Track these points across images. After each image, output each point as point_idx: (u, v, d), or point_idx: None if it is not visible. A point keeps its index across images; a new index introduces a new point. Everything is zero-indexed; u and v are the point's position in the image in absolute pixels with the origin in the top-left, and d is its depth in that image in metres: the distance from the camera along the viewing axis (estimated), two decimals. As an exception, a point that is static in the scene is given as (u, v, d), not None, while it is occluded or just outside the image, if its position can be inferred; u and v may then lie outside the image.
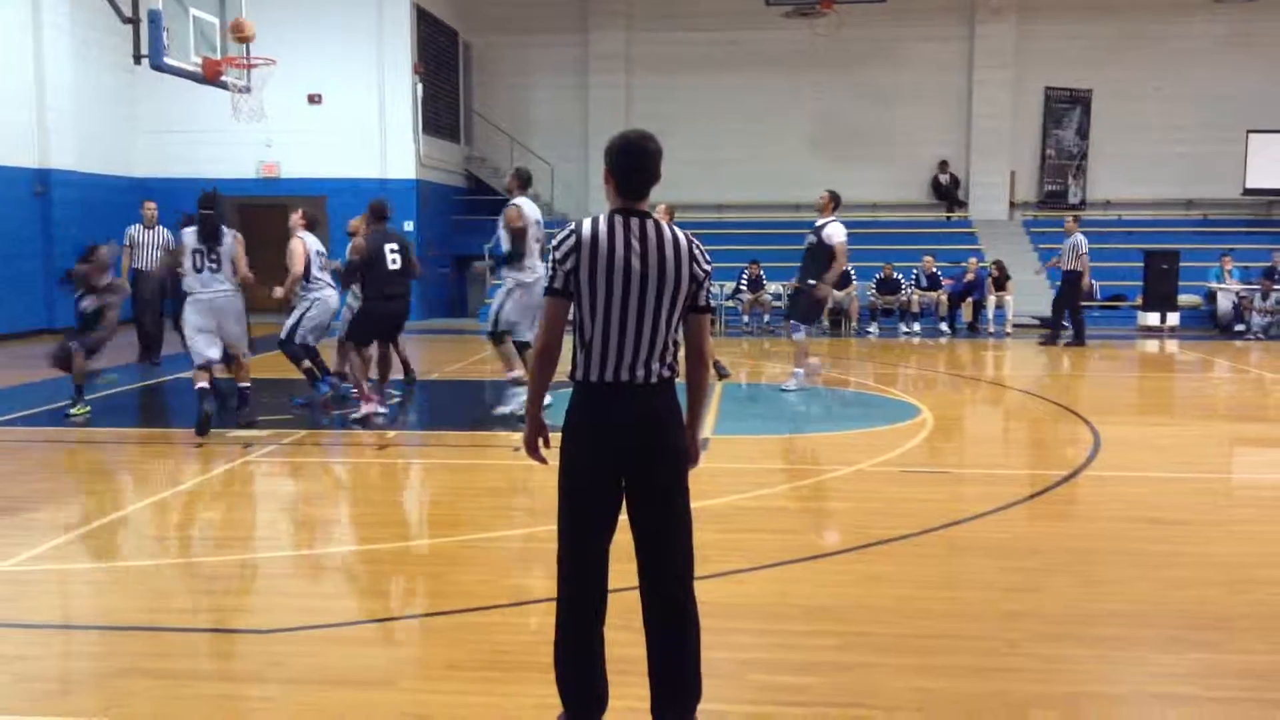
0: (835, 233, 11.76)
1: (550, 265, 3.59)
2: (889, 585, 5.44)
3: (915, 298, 18.97)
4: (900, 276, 19.28)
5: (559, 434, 3.69)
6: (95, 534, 6.40)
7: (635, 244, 3.52)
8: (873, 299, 19.22)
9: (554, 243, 3.60)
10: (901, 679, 4.29)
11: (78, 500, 7.39)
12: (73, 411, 9.76)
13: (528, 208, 9.67)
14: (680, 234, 3.62)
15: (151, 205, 14.17)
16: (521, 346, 9.67)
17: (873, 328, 18.91)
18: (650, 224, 3.58)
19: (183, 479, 8.03)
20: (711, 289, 3.76)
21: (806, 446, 9.20)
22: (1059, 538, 6.49)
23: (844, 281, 19.06)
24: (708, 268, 3.64)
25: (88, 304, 9.96)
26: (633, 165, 3.60)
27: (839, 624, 4.87)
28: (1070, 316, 17.04)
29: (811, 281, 11.81)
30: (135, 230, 13.96)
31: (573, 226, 3.60)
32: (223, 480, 7.92)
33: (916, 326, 18.84)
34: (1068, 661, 4.52)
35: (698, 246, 3.64)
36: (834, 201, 11.98)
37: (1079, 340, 16.73)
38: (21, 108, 17.34)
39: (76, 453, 8.80)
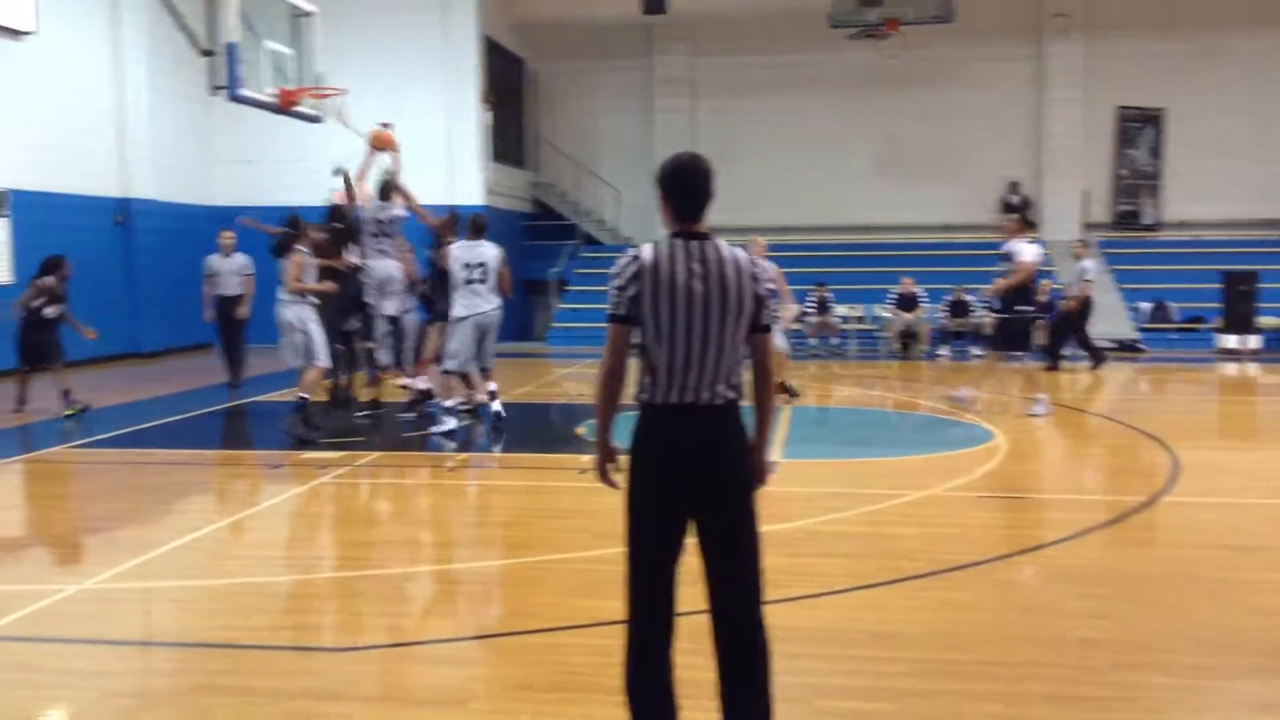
0: (1022, 250, 11.92)
1: (613, 291, 3.60)
2: (963, 611, 5.37)
3: (987, 320, 18.71)
4: (971, 299, 19.06)
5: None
6: (175, 553, 6.53)
7: (696, 266, 3.53)
8: (943, 321, 19.02)
9: (615, 269, 3.62)
10: (976, 706, 4.23)
11: (158, 520, 7.55)
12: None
13: (460, 251, 10.38)
14: (740, 254, 3.63)
15: (229, 234, 14.50)
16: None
17: (944, 350, 18.70)
18: (710, 246, 3.59)
19: (259, 500, 8.19)
20: (775, 310, 3.76)
21: (878, 471, 9.12)
22: (1138, 564, 6.35)
23: (914, 304, 18.93)
24: (770, 286, 3.64)
25: (51, 311, 11.58)
26: (685, 187, 3.62)
27: (911, 650, 4.81)
28: (1053, 340, 16.45)
29: (1020, 308, 12.14)
30: (214, 259, 14.30)
31: (634, 253, 3.61)
32: (298, 501, 8.06)
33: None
34: (1148, 689, 4.42)
35: (758, 265, 3.64)
36: (1023, 225, 12.32)
37: (1054, 365, 16.15)
38: (103, 139, 17.87)
39: (157, 474, 9.01)
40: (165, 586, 6.02)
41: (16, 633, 5.07)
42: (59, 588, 5.72)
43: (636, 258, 3.59)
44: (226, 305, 14.09)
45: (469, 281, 10.20)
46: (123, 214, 18.25)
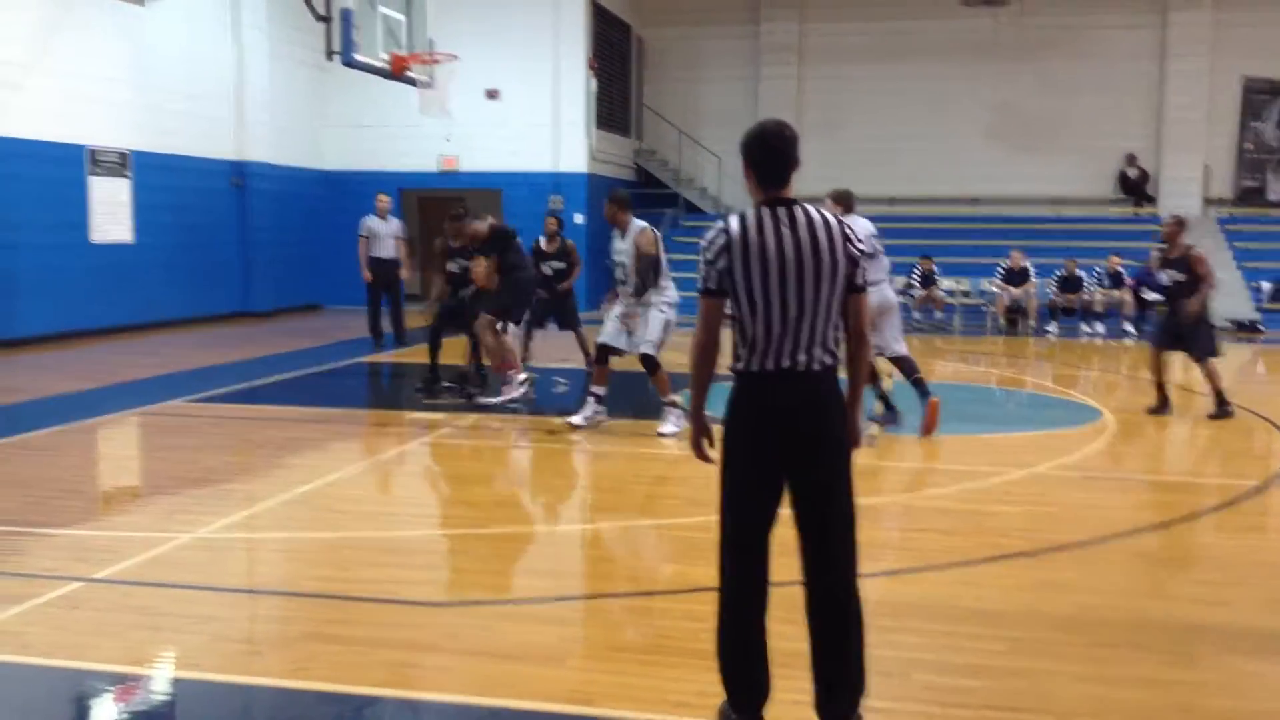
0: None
1: (702, 265, 3.58)
2: (1064, 592, 5.27)
3: (1098, 297, 18.22)
4: (1083, 274, 18.54)
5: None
6: (283, 506, 6.75)
7: (786, 232, 3.50)
8: (1053, 297, 18.54)
9: (704, 243, 3.60)
10: (1075, 687, 4.16)
11: (267, 473, 7.80)
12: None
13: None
14: (831, 216, 3.59)
15: (385, 198, 14.91)
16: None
17: (1052, 327, 18.25)
18: (799, 210, 3.55)
19: (363, 457, 8.39)
20: (868, 270, 3.69)
21: (980, 447, 8.96)
22: (1249, 550, 6.16)
23: (1022, 278, 18.49)
24: (862, 247, 3.60)
25: (453, 267, 10.86)
26: (770, 154, 3.58)
27: (1010, 629, 4.74)
28: None
29: None
30: (372, 221, 14.74)
31: (721, 225, 3.59)
32: (401, 459, 8.25)
33: (1099, 326, 18.08)
34: (1256, 678, 4.30)
35: (849, 228, 3.60)
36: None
37: None
38: (221, 103, 18.38)
39: (267, 429, 9.29)
40: (273, 538, 6.22)
41: (136, 576, 5.30)
42: (174, 535, 5.95)
43: (724, 230, 3.56)
44: (383, 267, 14.55)
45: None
46: (239, 176, 18.77)
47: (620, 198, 9.26)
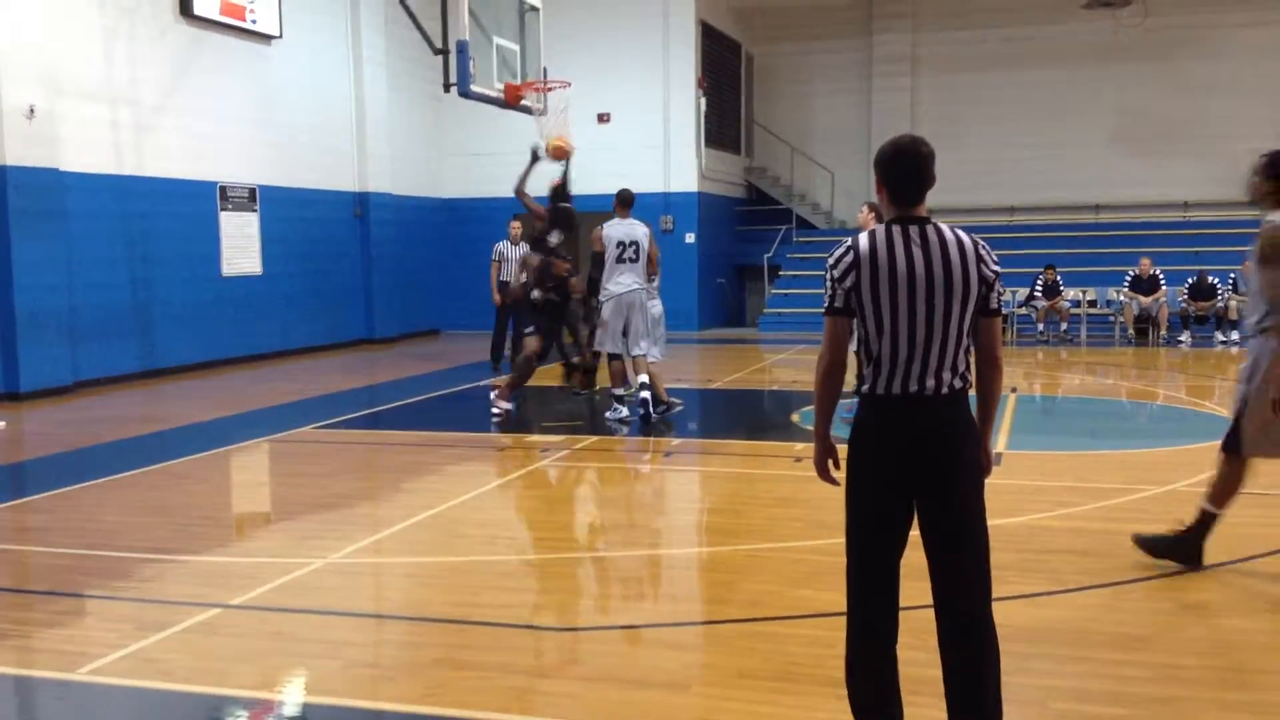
0: None
1: (828, 284, 3.52)
2: (1209, 616, 5.06)
3: (1233, 304, 17.50)
4: (1216, 281, 17.84)
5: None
6: (409, 530, 6.88)
7: (917, 252, 3.42)
8: (1184, 305, 17.89)
9: (831, 260, 3.54)
10: (1224, 715, 3.97)
11: (393, 498, 7.96)
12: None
13: (609, 229, 10.44)
14: (965, 236, 3.50)
15: (517, 224, 15.20)
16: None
17: (1184, 336, 17.60)
18: (931, 229, 3.47)
19: (485, 481, 8.50)
20: (1003, 293, 3.59)
21: (1112, 463, 8.67)
22: None
23: (1152, 287, 17.89)
24: (996, 268, 3.49)
25: (537, 296, 11.08)
26: (906, 171, 3.49)
27: (1152, 654, 4.56)
28: None
29: None
30: (503, 246, 15.09)
31: (849, 243, 3.52)
32: (521, 483, 8.33)
33: (1235, 335, 17.35)
34: None
35: (984, 247, 3.50)
36: None
37: None
38: (343, 137, 18.93)
39: (392, 454, 9.49)
40: (401, 562, 6.34)
41: (271, 602, 5.44)
42: (307, 561, 6.10)
43: (852, 247, 3.50)
44: (511, 291, 14.87)
45: (627, 260, 10.29)
46: (361, 207, 19.29)
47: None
